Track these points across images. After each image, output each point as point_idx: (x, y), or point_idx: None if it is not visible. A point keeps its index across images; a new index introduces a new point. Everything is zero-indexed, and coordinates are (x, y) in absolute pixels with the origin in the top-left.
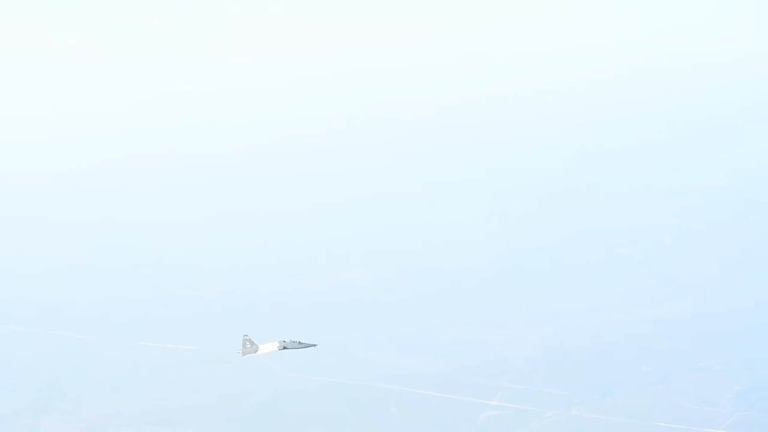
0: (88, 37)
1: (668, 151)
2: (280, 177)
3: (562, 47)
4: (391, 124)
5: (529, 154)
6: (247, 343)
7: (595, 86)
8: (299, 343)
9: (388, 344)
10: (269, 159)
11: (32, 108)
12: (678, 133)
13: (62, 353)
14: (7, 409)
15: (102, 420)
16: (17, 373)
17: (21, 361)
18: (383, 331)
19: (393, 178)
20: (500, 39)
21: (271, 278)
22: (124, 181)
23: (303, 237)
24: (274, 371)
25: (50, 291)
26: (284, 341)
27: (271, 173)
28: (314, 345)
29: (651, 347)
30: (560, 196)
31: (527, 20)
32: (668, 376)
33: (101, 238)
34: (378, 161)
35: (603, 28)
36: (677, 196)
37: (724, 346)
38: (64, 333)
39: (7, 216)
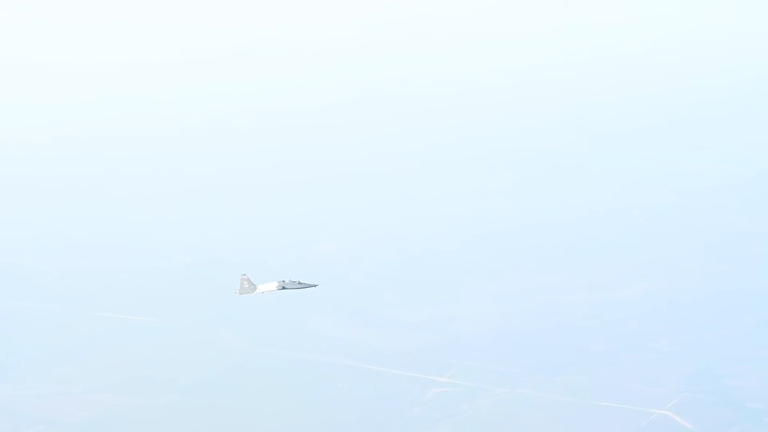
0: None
1: (659, 134)
2: (259, 149)
3: (558, 26)
4: (381, 99)
5: (518, 134)
6: (245, 282)
7: (586, 67)
8: (299, 283)
9: (348, 319)
10: (250, 131)
11: (7, 73)
12: (670, 117)
13: (21, 322)
14: None
15: (51, 388)
16: None
17: None
18: (346, 306)
19: (378, 154)
20: (496, 15)
21: (240, 250)
22: (101, 148)
23: (279, 210)
24: (230, 344)
25: (18, 257)
26: (284, 281)
27: (250, 146)
28: (314, 285)
29: (605, 328)
30: (545, 177)
31: None
32: (618, 357)
33: (75, 206)
34: (364, 137)
35: (601, 8)
36: (663, 179)
37: (678, 329)
38: (25, 303)
39: None
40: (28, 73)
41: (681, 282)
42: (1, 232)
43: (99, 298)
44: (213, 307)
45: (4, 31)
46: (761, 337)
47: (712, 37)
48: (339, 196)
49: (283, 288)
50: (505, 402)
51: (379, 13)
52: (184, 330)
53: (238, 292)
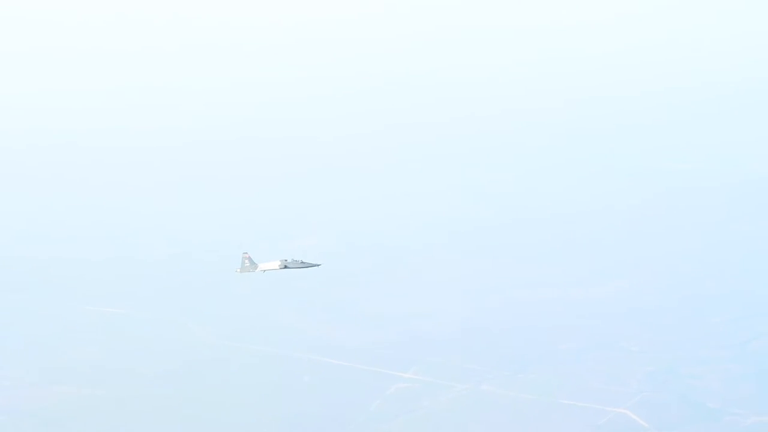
0: None
1: (648, 133)
2: (239, 142)
3: (548, 23)
4: (364, 96)
5: (506, 132)
6: (246, 261)
7: (576, 66)
8: (302, 262)
9: (318, 315)
10: (230, 124)
11: None
12: (658, 117)
13: None
14: None
15: (17, 379)
16: None
17: None
18: (316, 301)
19: (364, 149)
20: (484, 12)
21: (215, 243)
22: (82, 139)
23: (262, 203)
24: (198, 336)
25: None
26: (286, 260)
27: (230, 138)
28: (318, 265)
29: (574, 326)
30: (530, 176)
31: None
32: (584, 356)
33: (54, 197)
34: (352, 132)
35: (589, 7)
36: (644, 179)
37: (646, 328)
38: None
39: None
40: (10, 63)
41: (652, 282)
42: None
43: (73, 289)
44: (184, 300)
45: None
46: (726, 338)
47: (704, 39)
48: (318, 191)
49: (286, 267)
50: (465, 399)
51: (365, 8)
52: (155, 322)
53: (239, 270)
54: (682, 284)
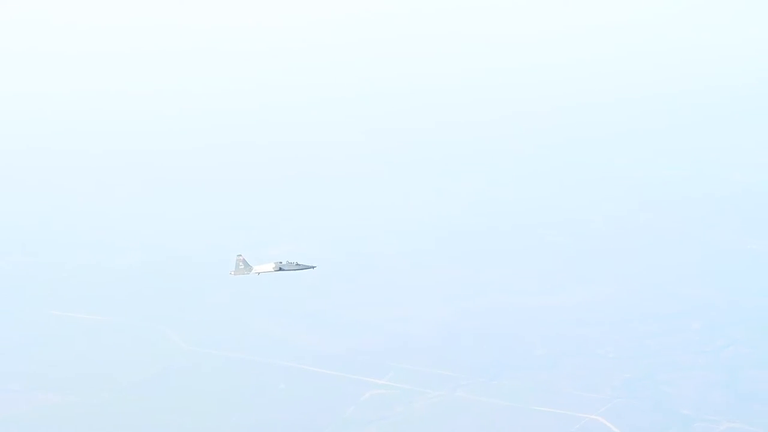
0: None
1: (638, 141)
2: (220, 147)
3: (541, 29)
4: (362, 100)
5: (497, 137)
6: (240, 263)
7: (567, 71)
8: (297, 264)
9: (296, 321)
10: (232, 127)
11: None
12: (651, 124)
13: None
14: None
15: None
16: None
17: None
18: (294, 308)
19: (353, 155)
20: (471, 18)
21: (195, 249)
22: (55, 142)
23: (244, 208)
24: (174, 343)
25: None
26: (281, 262)
27: (211, 143)
28: (313, 267)
29: (551, 331)
30: (516, 183)
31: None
32: (561, 362)
33: (30, 202)
34: (341, 137)
35: (583, 13)
36: (632, 187)
37: (624, 335)
38: None
39: None
40: (10, 63)
41: (629, 289)
42: None
43: (48, 295)
44: (161, 307)
45: None
46: (703, 344)
47: (693, 46)
48: (301, 196)
49: (280, 269)
50: (439, 405)
51: (364, 8)
52: (132, 329)
53: (233, 272)
54: (659, 292)
